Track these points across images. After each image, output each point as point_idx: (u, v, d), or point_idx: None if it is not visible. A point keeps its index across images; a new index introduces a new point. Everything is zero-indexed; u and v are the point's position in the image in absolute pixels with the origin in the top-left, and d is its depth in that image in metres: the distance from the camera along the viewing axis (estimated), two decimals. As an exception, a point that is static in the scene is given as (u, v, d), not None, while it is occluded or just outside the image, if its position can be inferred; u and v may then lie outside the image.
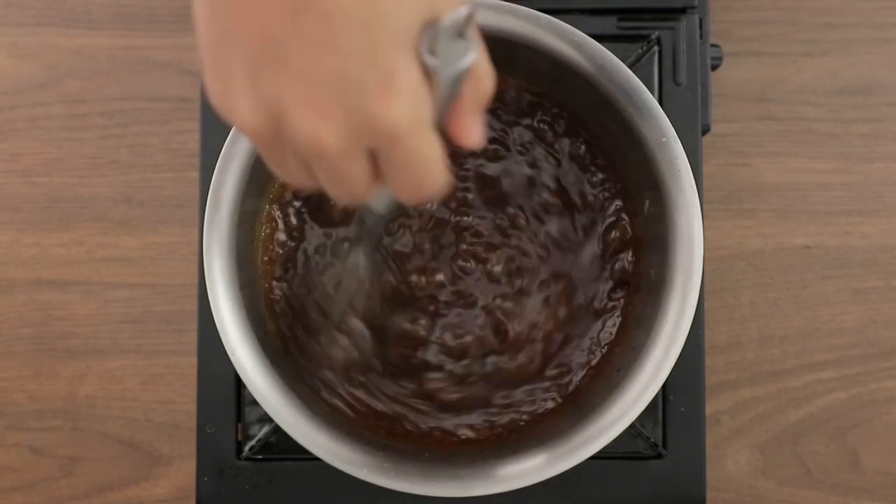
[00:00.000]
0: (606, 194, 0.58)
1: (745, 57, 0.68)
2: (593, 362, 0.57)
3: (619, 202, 0.58)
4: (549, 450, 0.52)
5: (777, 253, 0.68)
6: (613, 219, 0.58)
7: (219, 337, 0.52)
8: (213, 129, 0.57)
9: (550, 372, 0.58)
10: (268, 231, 0.58)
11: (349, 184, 0.36)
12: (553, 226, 0.58)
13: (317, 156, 0.34)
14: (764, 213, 0.68)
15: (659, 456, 0.58)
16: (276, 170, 0.37)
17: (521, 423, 0.57)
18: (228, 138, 0.52)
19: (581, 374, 0.57)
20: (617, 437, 0.51)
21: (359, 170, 0.35)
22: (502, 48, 0.53)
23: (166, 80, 0.68)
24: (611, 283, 0.58)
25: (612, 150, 0.57)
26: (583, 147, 0.58)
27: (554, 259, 0.57)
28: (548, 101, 0.58)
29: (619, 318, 0.57)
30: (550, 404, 0.57)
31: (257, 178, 0.54)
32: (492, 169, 0.58)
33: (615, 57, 0.52)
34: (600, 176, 0.58)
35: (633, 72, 0.52)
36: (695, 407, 0.58)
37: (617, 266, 0.58)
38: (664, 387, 0.54)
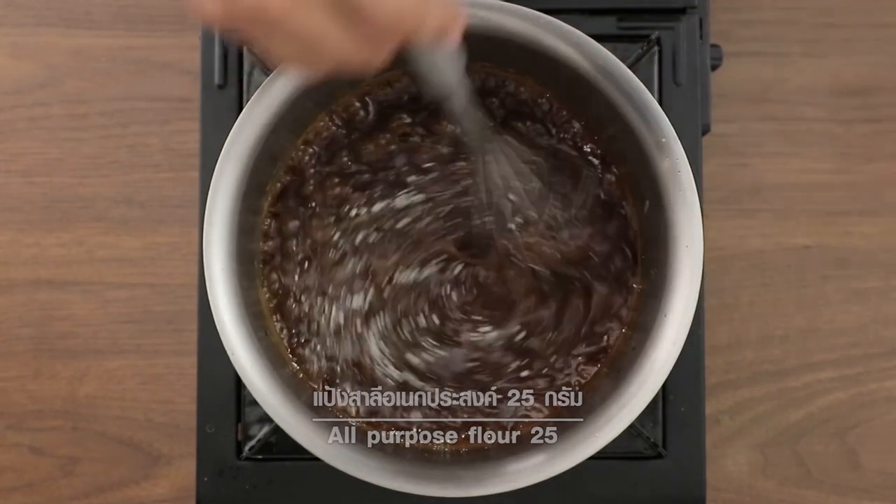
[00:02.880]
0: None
1: (745, 57, 0.68)
2: (593, 363, 0.57)
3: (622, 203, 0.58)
4: (549, 449, 0.52)
5: (777, 253, 0.68)
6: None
7: (219, 337, 0.52)
8: (214, 129, 0.57)
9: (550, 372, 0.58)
10: (269, 228, 0.58)
11: (308, 42, 0.37)
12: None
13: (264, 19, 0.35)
14: (764, 214, 0.68)
15: (659, 456, 0.58)
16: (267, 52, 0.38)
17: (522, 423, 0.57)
18: (229, 137, 0.52)
19: (581, 373, 0.57)
20: (617, 438, 0.51)
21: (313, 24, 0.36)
22: (502, 48, 0.53)
23: (166, 80, 0.68)
24: (612, 284, 0.58)
25: (613, 150, 0.57)
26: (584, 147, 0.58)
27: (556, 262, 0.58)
28: (547, 100, 0.58)
29: (619, 319, 0.57)
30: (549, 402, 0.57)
31: (258, 176, 0.54)
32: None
33: (615, 58, 0.52)
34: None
35: (633, 72, 0.52)
36: (695, 407, 0.58)
37: (618, 268, 0.58)
38: (664, 387, 0.54)
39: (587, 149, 0.58)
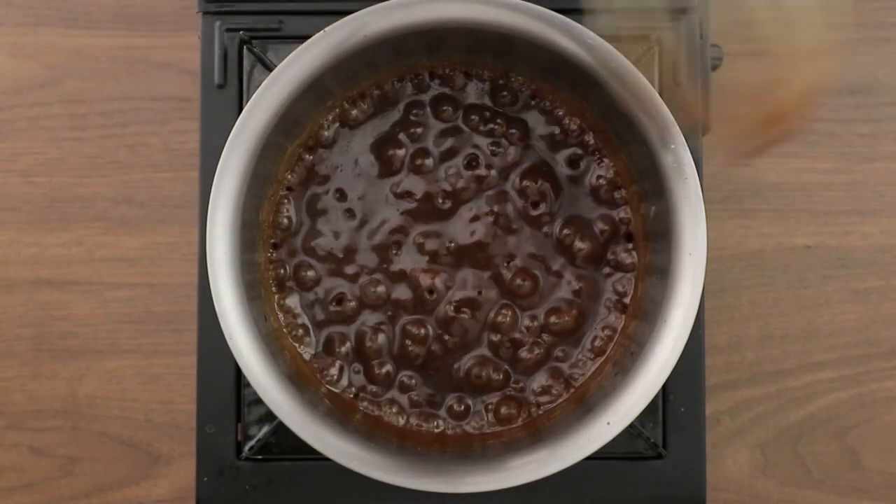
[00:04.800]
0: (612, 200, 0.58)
1: (742, 57, 0.66)
2: (593, 363, 0.57)
3: (624, 208, 0.58)
4: (547, 448, 0.52)
5: (777, 253, 0.68)
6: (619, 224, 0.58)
7: (219, 336, 0.51)
8: (214, 129, 0.57)
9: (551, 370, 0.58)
10: (273, 214, 0.58)
11: None
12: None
13: None
14: (764, 213, 0.68)
15: (659, 456, 0.58)
16: None
17: (520, 421, 0.57)
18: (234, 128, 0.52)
19: (581, 373, 0.57)
20: (617, 438, 0.51)
21: None
22: (512, 46, 0.53)
23: (166, 80, 0.68)
24: (614, 286, 0.58)
25: (620, 154, 0.57)
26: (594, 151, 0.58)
27: (557, 261, 0.58)
28: (556, 102, 0.58)
29: (621, 321, 0.58)
30: (549, 403, 0.57)
31: (269, 153, 0.54)
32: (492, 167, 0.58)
33: (627, 60, 0.51)
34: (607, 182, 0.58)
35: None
36: (695, 407, 0.58)
37: (620, 269, 0.58)
38: (664, 387, 0.54)
39: (595, 151, 0.58)
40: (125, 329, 0.67)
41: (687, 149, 0.51)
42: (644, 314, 0.55)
